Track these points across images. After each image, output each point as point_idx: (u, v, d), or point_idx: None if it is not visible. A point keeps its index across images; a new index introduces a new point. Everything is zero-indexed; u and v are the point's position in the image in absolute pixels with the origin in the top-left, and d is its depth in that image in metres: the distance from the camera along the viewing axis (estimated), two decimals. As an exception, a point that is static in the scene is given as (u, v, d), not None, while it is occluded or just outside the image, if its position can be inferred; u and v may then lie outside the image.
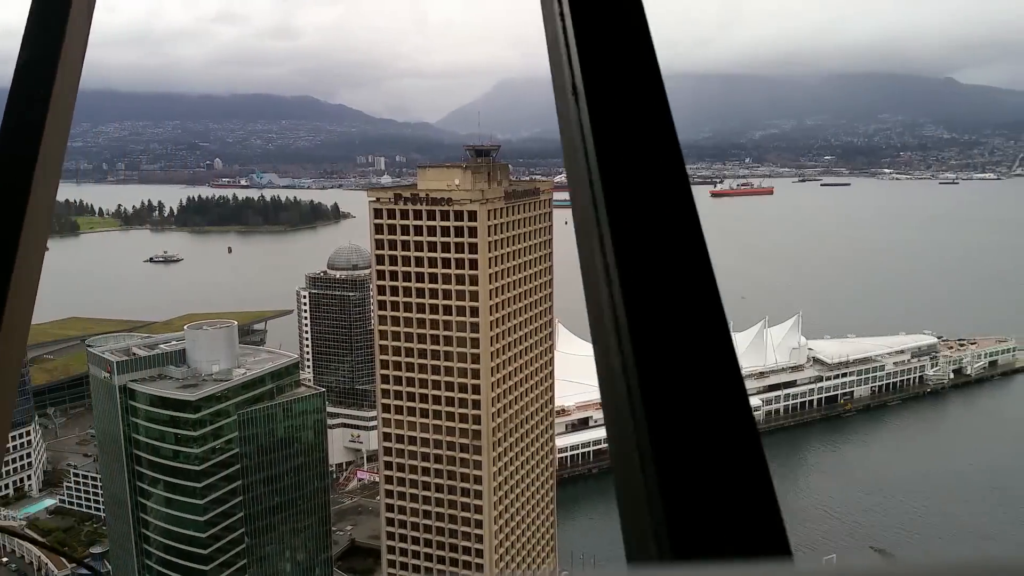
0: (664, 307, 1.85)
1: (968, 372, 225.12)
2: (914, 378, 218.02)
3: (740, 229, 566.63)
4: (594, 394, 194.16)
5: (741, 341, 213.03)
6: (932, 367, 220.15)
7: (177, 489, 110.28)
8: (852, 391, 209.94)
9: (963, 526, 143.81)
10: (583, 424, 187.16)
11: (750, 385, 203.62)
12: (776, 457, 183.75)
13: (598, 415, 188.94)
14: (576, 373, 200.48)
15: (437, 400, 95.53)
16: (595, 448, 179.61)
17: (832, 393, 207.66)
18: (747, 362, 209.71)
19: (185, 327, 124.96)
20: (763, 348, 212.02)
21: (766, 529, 1.54)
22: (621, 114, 2.17)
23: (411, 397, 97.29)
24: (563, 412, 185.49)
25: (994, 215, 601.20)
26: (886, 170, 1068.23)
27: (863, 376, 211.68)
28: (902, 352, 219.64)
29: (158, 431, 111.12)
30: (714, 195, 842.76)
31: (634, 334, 1.80)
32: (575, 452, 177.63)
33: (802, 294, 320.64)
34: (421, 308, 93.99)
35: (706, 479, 1.56)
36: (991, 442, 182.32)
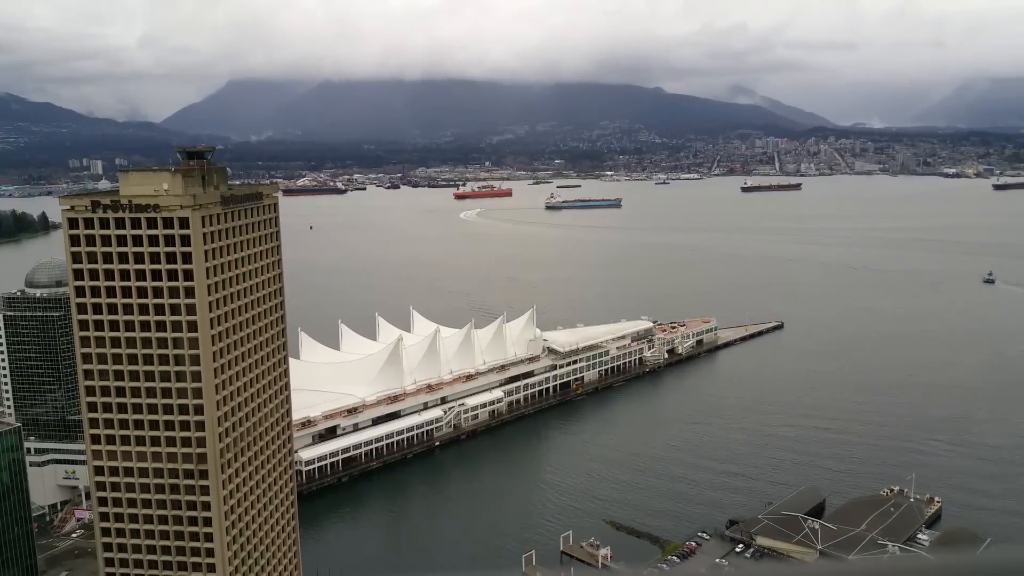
0: None
1: (680, 351, 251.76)
2: (634, 360, 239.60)
3: (483, 232, 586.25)
4: (342, 401, 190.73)
5: (483, 336, 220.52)
6: (650, 349, 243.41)
7: None
8: (583, 376, 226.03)
9: (682, 486, 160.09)
10: (331, 433, 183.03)
11: (492, 379, 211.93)
12: (520, 444, 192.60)
13: (346, 422, 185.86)
14: (322, 381, 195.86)
15: (155, 425, 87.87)
16: (344, 456, 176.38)
17: (565, 380, 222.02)
18: (489, 356, 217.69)
19: None
20: (503, 342, 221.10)
21: None
22: None
23: (125, 424, 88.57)
24: (308, 423, 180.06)
25: (689, 214, 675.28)
26: (608, 172, 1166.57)
27: (591, 362, 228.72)
28: (623, 337, 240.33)
29: None
30: (458, 197, 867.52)
31: None
32: (322, 463, 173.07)
33: (542, 287, 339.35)
34: (130, 326, 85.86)
35: None
36: (696, 412, 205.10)
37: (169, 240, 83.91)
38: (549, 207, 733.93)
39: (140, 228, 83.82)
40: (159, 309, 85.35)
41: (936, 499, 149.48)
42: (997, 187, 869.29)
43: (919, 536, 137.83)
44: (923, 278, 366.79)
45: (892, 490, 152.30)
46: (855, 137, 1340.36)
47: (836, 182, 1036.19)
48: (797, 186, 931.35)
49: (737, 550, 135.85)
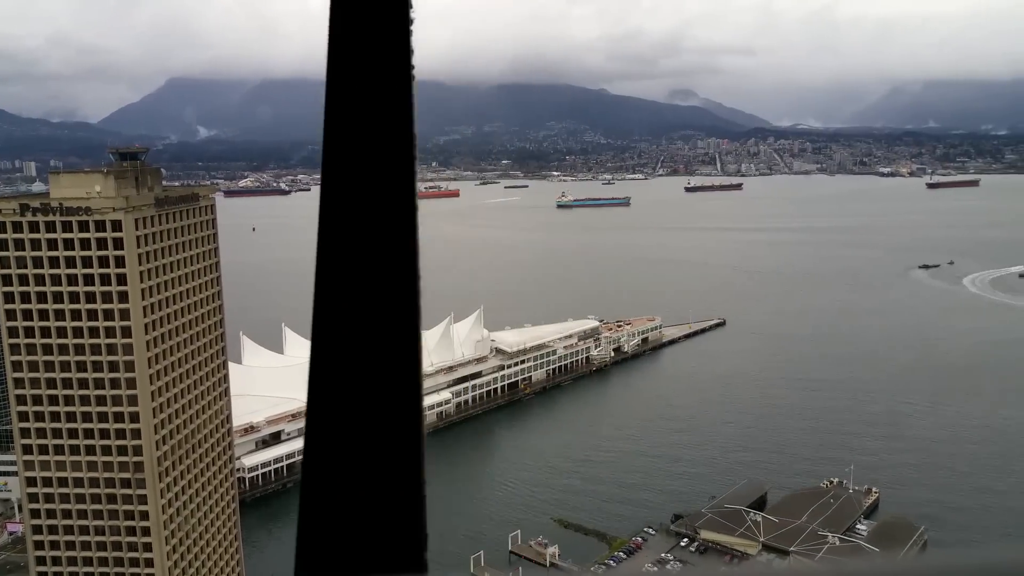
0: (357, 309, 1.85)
1: (625, 349, 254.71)
2: (581, 359, 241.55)
3: (436, 234, 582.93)
4: (286, 406, 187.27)
5: (430, 338, 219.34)
6: (596, 348, 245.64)
7: None
8: (531, 376, 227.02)
9: (628, 482, 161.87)
10: (275, 439, 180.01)
11: (440, 380, 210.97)
12: (468, 445, 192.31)
13: (291, 427, 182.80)
14: (265, 386, 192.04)
15: (89, 434, 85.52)
16: (288, 462, 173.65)
17: (513, 380, 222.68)
18: (437, 358, 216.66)
19: None
20: (451, 343, 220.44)
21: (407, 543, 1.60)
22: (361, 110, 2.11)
23: (58, 434, 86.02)
24: (251, 429, 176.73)
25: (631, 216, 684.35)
26: (555, 173, 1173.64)
27: (539, 361, 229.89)
28: (570, 336, 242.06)
29: None
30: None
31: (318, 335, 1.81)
32: (266, 469, 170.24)
33: (488, 287, 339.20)
34: (62, 332, 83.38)
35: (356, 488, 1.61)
36: (641, 408, 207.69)
37: (101, 243, 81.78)
38: (560, 206, 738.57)
39: (71, 231, 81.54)
40: (92, 315, 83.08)
41: (874, 490, 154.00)
42: (930, 185, 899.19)
43: (858, 526, 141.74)
44: (859, 275, 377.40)
45: (831, 482, 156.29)
46: (794, 138, 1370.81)
47: (775, 181, 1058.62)
48: (739, 186, 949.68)
49: (682, 544, 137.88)
